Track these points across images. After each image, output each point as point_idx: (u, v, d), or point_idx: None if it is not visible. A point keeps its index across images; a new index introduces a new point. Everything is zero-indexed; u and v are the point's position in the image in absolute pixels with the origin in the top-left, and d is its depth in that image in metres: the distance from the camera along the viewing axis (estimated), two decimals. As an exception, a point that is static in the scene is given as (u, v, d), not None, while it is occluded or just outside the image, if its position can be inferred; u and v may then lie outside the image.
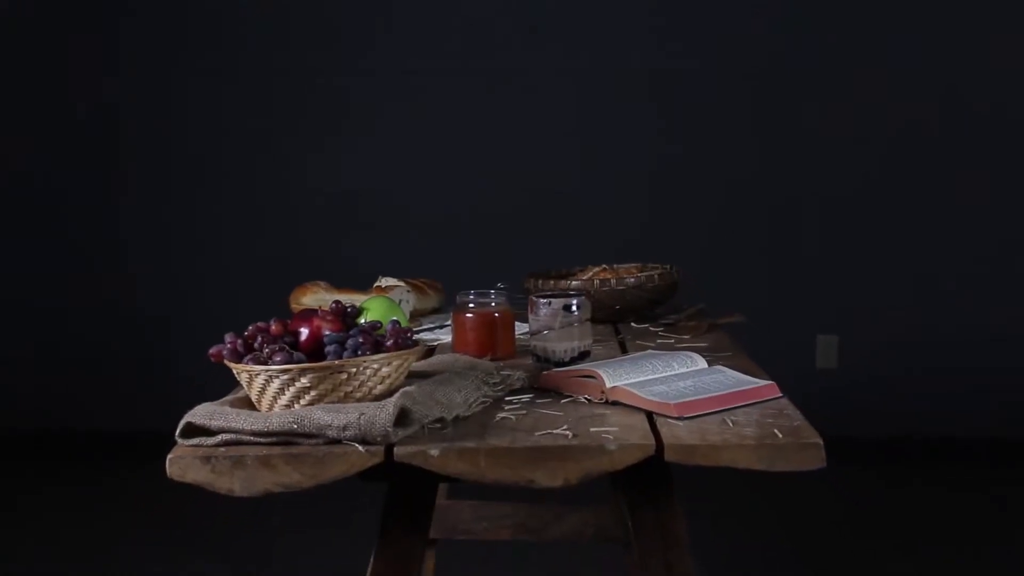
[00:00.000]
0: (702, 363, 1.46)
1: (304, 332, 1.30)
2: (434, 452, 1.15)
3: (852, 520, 3.23)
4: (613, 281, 1.92)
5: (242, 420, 1.19)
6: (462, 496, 2.26)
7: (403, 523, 1.35)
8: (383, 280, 2.01)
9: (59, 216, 4.14)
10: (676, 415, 1.23)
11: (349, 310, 1.36)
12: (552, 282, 1.95)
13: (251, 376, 1.24)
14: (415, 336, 1.34)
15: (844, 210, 3.91)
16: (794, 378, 1.83)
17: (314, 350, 1.28)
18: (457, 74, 3.96)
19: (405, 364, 1.29)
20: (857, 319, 3.94)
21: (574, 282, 1.93)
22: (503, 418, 1.27)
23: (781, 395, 1.34)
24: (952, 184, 3.87)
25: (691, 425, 1.21)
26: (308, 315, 1.32)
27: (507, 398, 1.37)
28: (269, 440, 1.17)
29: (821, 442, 1.14)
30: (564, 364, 1.52)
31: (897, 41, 3.83)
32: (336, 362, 1.22)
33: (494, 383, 1.39)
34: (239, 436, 1.18)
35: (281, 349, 1.24)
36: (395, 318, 1.39)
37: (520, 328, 1.70)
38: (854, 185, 3.90)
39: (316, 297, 1.93)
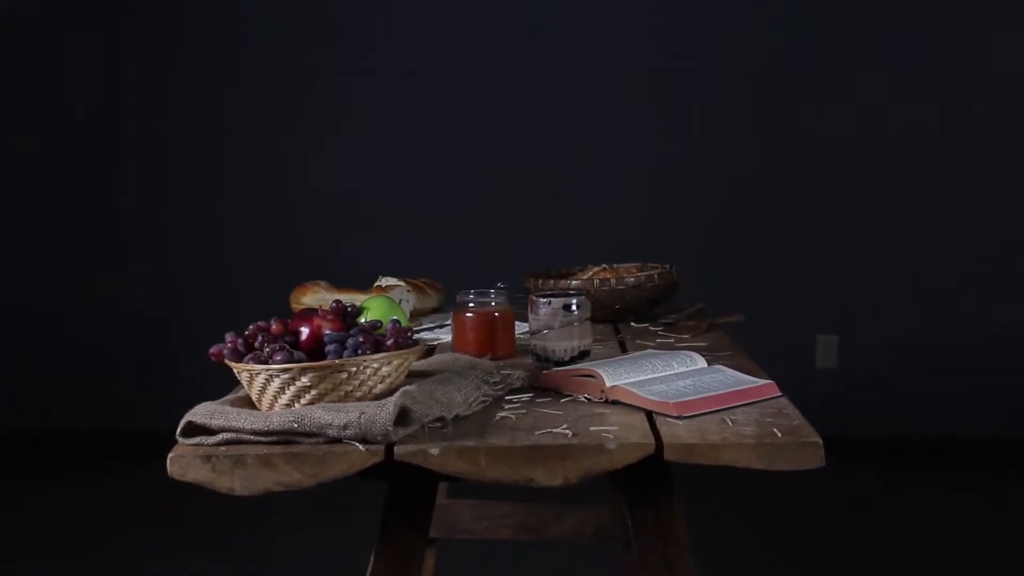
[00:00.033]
0: (702, 362, 1.46)
1: (304, 331, 1.30)
2: (434, 451, 1.15)
3: (852, 520, 3.23)
4: (613, 281, 1.92)
5: (243, 419, 1.19)
6: (462, 495, 2.26)
7: (403, 522, 1.35)
8: (383, 280, 2.01)
9: (59, 216, 4.14)
10: (676, 414, 1.23)
11: (349, 309, 1.36)
12: (552, 282, 1.95)
13: (251, 375, 1.24)
14: (415, 335, 1.34)
15: (844, 210, 3.91)
16: (794, 378, 1.84)
17: (314, 349, 1.28)
18: (457, 74, 3.96)
19: (405, 363, 1.29)
20: (857, 319, 3.94)
21: (574, 282, 1.93)
22: (503, 417, 1.27)
23: (780, 394, 1.34)
24: (952, 184, 3.87)
25: (690, 424, 1.21)
26: (308, 314, 1.32)
27: (507, 397, 1.37)
28: (270, 439, 1.18)
29: (820, 441, 1.14)
30: (564, 363, 1.53)
31: (897, 41, 3.83)
32: (336, 361, 1.22)
33: (494, 382, 1.39)
34: (240, 435, 1.18)
35: (281, 348, 1.24)
36: (395, 317, 1.39)
37: (520, 327, 1.70)
38: (854, 185, 3.90)
39: (316, 297, 1.93)
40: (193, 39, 4.04)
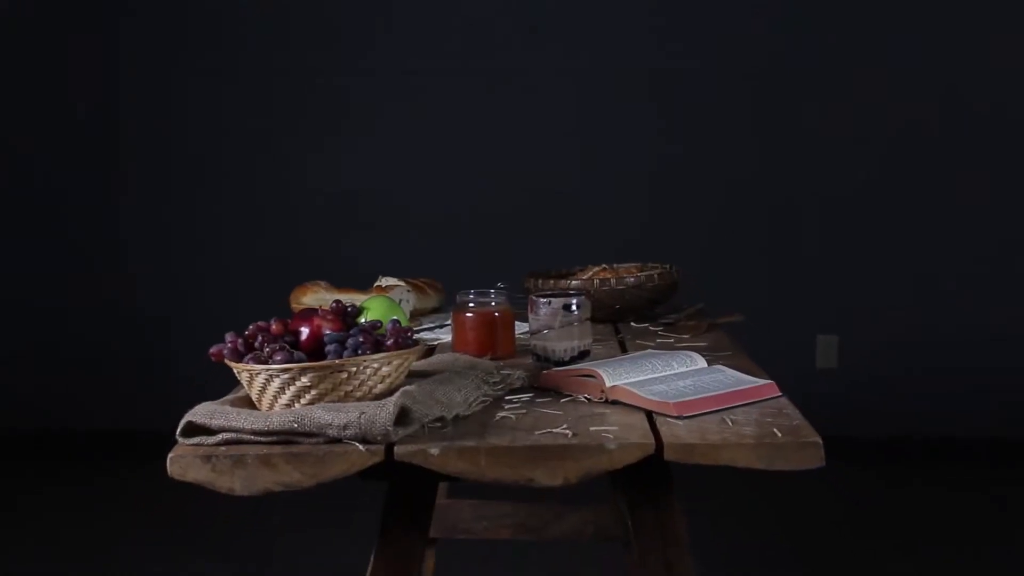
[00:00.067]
0: (702, 362, 1.46)
1: (304, 331, 1.30)
2: (434, 451, 1.15)
3: (852, 520, 3.23)
4: (613, 281, 1.92)
5: (243, 419, 1.19)
6: (462, 495, 2.26)
7: (403, 522, 1.35)
8: (383, 280, 2.01)
9: (59, 216, 4.14)
10: (676, 414, 1.23)
11: (349, 309, 1.36)
12: (552, 282, 1.95)
13: (251, 375, 1.24)
14: (415, 335, 1.34)
15: (844, 210, 3.91)
16: (794, 378, 1.84)
17: (314, 349, 1.28)
18: (457, 74, 3.96)
19: (405, 363, 1.29)
20: (857, 319, 3.94)
21: (574, 282, 1.93)
22: (503, 417, 1.27)
23: (780, 394, 1.34)
24: (952, 184, 3.87)
25: (690, 424, 1.21)
26: (308, 314, 1.32)
27: (507, 397, 1.37)
28: (270, 439, 1.18)
29: (820, 441, 1.14)
30: (564, 363, 1.53)
31: (897, 41, 3.83)
32: (336, 361, 1.22)
33: (494, 382, 1.40)
34: (240, 435, 1.18)
35: (281, 348, 1.24)
36: (395, 317, 1.39)
37: (520, 327, 1.70)
38: (854, 185, 3.90)
39: (316, 297, 1.93)
40: (193, 39, 4.04)
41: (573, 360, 1.54)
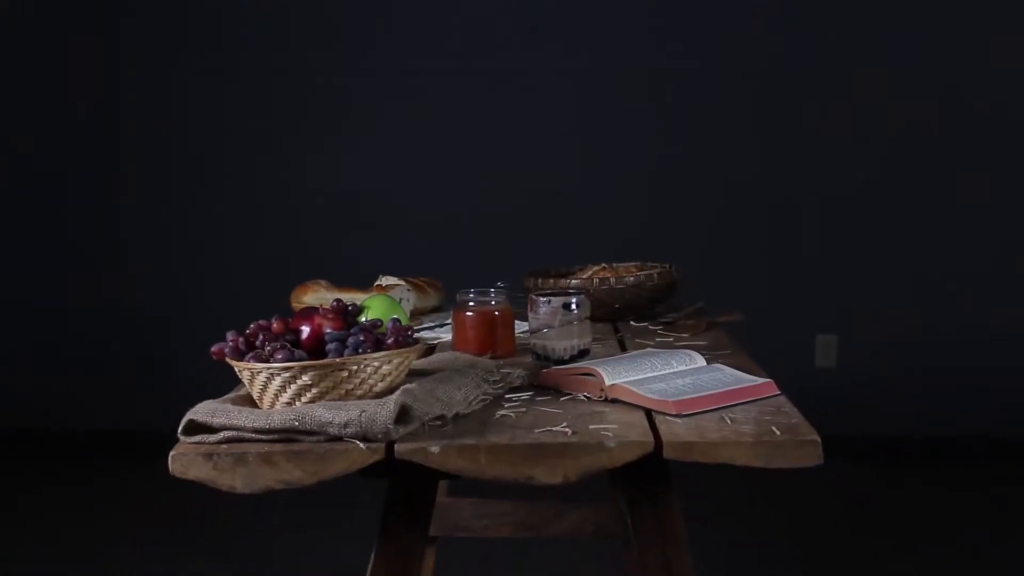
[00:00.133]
0: (701, 361, 1.46)
1: (305, 330, 1.30)
2: (434, 449, 1.15)
3: (851, 519, 3.23)
4: (612, 280, 1.93)
5: (244, 417, 1.19)
6: (462, 494, 2.27)
7: (403, 520, 1.35)
8: (383, 279, 2.01)
9: (59, 216, 4.14)
10: (675, 412, 1.24)
11: (350, 308, 1.37)
12: (552, 281, 1.95)
13: (253, 374, 1.24)
14: (415, 334, 1.34)
15: (844, 210, 3.91)
16: (793, 377, 1.84)
17: (315, 348, 1.29)
18: (457, 74, 3.96)
19: (406, 362, 1.30)
20: (857, 319, 3.94)
21: (573, 281, 1.94)
22: (503, 415, 1.27)
23: (779, 393, 1.34)
24: (952, 184, 3.87)
25: (689, 422, 1.21)
26: (309, 313, 1.33)
27: (507, 396, 1.38)
28: (271, 437, 1.18)
29: (818, 439, 1.14)
30: (564, 362, 1.53)
31: (897, 41, 3.83)
32: (337, 360, 1.23)
33: (494, 381, 1.40)
34: (241, 433, 1.19)
35: (282, 347, 1.24)
36: (396, 316, 1.39)
37: (520, 326, 1.71)
38: (854, 185, 3.90)
39: (317, 296, 1.93)
40: (193, 39, 4.04)
41: (573, 359, 1.54)
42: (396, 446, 1.15)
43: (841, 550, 3.00)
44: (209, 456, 1.16)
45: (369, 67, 3.98)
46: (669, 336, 1.80)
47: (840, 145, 3.89)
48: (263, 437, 1.18)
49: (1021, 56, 3.81)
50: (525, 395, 1.38)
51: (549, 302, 1.57)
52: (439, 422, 1.23)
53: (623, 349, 1.70)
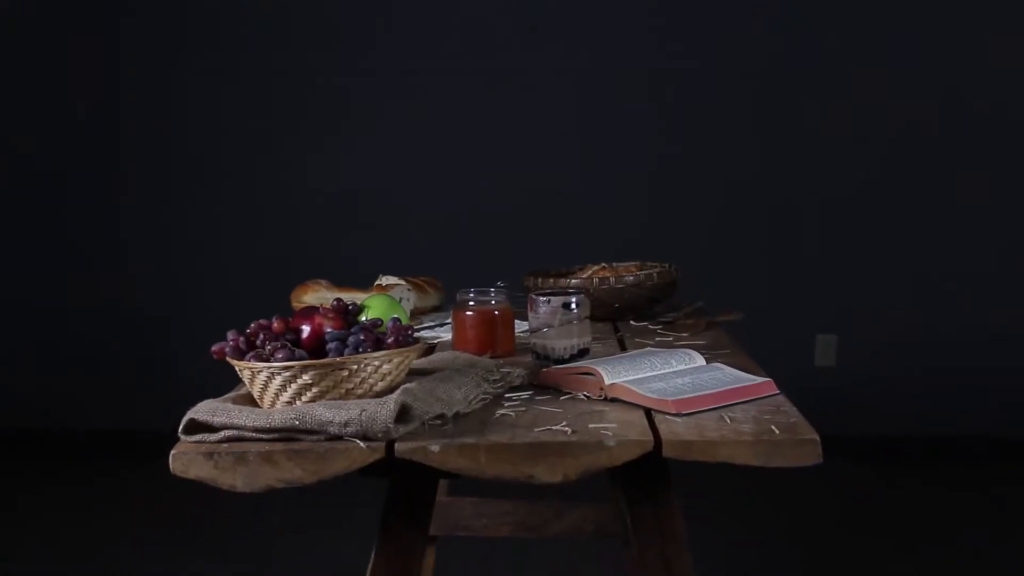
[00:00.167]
0: (700, 360, 1.47)
1: (306, 329, 1.31)
2: (434, 448, 1.15)
3: (851, 518, 3.23)
4: (612, 279, 1.93)
5: (244, 416, 1.19)
6: (462, 493, 2.27)
7: (403, 520, 1.35)
8: (384, 278, 2.02)
9: (59, 216, 4.14)
10: (674, 411, 1.24)
11: (350, 308, 1.37)
12: (551, 280, 1.96)
13: (253, 373, 1.25)
14: (416, 334, 1.35)
15: (844, 210, 3.92)
16: (792, 377, 1.84)
17: (316, 347, 1.29)
18: (457, 74, 3.96)
19: (406, 361, 1.30)
20: (857, 319, 3.95)
21: (573, 280, 1.94)
22: (503, 415, 1.27)
23: (778, 392, 1.34)
24: (952, 184, 3.87)
25: (689, 421, 1.22)
26: (310, 312, 1.33)
27: (507, 395, 1.38)
28: (271, 436, 1.18)
29: (817, 438, 1.14)
30: (563, 361, 1.53)
31: (897, 41, 3.84)
32: (337, 359, 1.23)
33: (494, 380, 1.40)
34: (241, 432, 1.19)
35: (283, 346, 1.25)
36: (396, 316, 1.40)
37: (520, 326, 1.71)
38: (854, 185, 3.90)
39: (317, 295, 1.94)
40: (193, 39, 4.04)
41: (572, 358, 1.54)
42: (396, 445, 1.15)
43: (841, 550, 3.00)
44: (210, 455, 1.16)
45: (369, 67, 3.98)
46: (669, 335, 1.80)
47: (840, 145, 3.89)
48: (264, 436, 1.18)
49: (1021, 56, 3.81)
50: (525, 394, 1.38)
51: (549, 302, 1.57)
52: (439, 421, 1.23)
53: (623, 348, 1.70)
